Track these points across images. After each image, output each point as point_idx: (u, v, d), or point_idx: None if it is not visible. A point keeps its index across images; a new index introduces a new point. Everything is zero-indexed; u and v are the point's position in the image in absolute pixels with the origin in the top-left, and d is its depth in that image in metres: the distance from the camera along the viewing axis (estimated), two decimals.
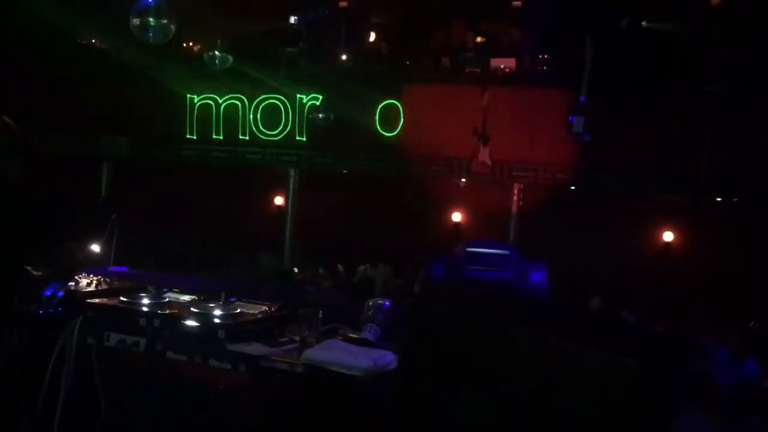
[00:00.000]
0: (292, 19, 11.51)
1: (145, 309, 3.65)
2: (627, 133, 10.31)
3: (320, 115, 11.09)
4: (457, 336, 2.49)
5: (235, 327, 3.50)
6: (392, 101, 11.56)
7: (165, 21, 5.80)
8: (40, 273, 3.78)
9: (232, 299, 3.80)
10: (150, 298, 3.79)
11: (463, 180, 11.73)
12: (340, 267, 11.60)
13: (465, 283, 2.73)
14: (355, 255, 11.73)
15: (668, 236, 11.42)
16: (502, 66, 11.35)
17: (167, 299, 3.84)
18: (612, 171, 10.59)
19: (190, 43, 12.45)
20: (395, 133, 11.58)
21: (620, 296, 9.88)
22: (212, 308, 3.65)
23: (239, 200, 12.74)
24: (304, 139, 12.25)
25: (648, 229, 11.36)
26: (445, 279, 2.75)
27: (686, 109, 9.98)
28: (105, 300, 3.77)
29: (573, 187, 11.22)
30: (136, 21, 5.80)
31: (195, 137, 12.75)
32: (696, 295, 10.08)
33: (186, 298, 3.88)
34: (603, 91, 9.63)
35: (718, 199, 10.63)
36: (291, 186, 12.85)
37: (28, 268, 3.74)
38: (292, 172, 12.77)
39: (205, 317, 3.54)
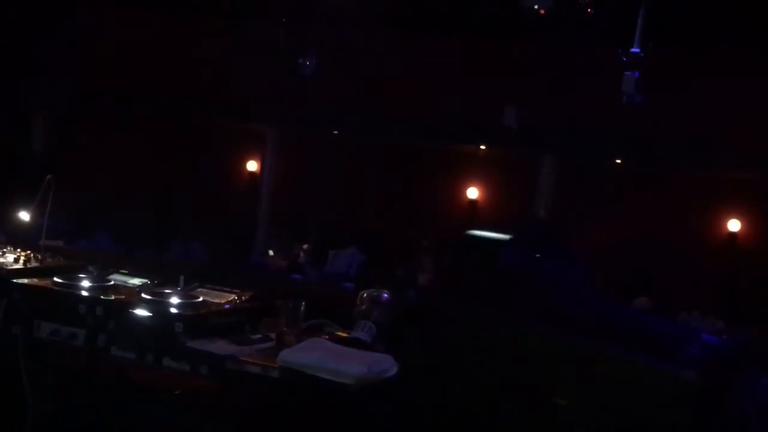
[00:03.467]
0: None
1: (84, 293, 3.65)
2: (689, 93, 10.26)
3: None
4: (474, 338, 2.49)
5: (197, 319, 3.51)
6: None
7: None
8: None
9: (194, 285, 3.80)
10: (91, 280, 3.79)
11: (482, 147, 11.70)
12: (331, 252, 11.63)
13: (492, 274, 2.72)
14: (344, 236, 11.73)
15: (734, 225, 11.41)
16: (535, 6, 11.26)
17: (112, 282, 3.85)
18: (668, 141, 10.55)
19: None
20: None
21: (672, 297, 9.88)
22: (168, 295, 3.66)
23: (206, 165, 12.71)
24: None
25: (710, 215, 11.35)
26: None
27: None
28: (35, 281, 3.77)
29: (618, 161, 11.20)
30: None
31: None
32: (765, 298, 10.09)
33: (136, 281, 3.89)
34: (662, 39, 9.53)
35: None
36: (269, 149, 12.81)
37: None
38: (270, 134, 12.72)
39: (159, 306, 3.55)
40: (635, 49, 9.41)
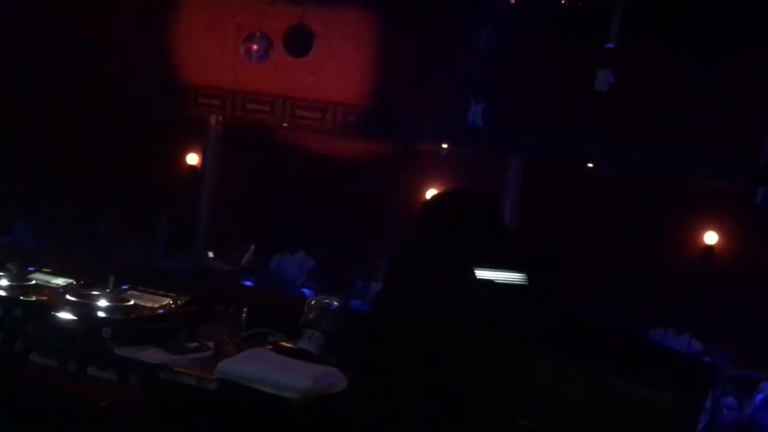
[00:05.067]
0: None
1: (2, 293, 3.62)
2: (665, 93, 10.39)
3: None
4: (432, 351, 2.48)
5: (126, 324, 3.49)
6: None
7: None
8: None
9: (124, 287, 3.77)
10: (10, 278, 3.75)
11: (445, 146, 11.75)
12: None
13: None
14: (293, 238, 11.72)
15: (711, 238, 11.57)
16: None
17: (34, 282, 3.82)
18: (642, 145, 10.68)
19: None
20: None
21: (644, 312, 10.02)
22: (96, 297, 3.63)
23: (141, 157, 12.60)
24: None
25: (685, 226, 11.50)
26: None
27: (752, 63, 9.96)
28: None
29: (590, 165, 11.31)
30: None
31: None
32: (742, 317, 10.26)
33: (60, 281, 3.87)
34: (639, 34, 9.64)
35: None
36: (211, 141, 12.75)
37: None
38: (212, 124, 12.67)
39: (84, 309, 3.51)
40: (609, 45, 9.53)
